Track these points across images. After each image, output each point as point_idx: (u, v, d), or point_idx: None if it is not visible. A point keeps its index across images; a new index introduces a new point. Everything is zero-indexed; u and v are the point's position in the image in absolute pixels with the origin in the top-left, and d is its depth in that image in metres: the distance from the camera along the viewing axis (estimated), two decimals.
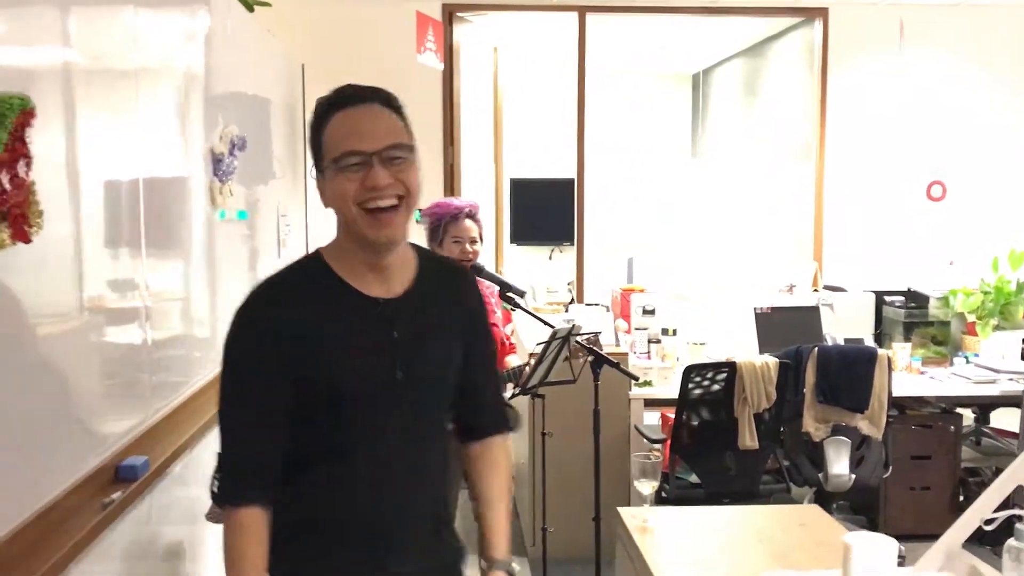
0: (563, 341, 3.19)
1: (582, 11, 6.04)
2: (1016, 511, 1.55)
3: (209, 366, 3.30)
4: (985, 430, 5.70)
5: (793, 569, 1.99)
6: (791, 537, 2.24)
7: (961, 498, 4.62)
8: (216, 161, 3.38)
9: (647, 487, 2.31)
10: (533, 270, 7.91)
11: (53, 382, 2.07)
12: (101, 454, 2.32)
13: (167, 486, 2.88)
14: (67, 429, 2.15)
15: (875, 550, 1.68)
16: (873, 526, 4.56)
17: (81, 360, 2.24)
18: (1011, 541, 1.54)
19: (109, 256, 2.45)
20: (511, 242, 7.81)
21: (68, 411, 2.16)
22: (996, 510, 1.55)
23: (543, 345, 3.22)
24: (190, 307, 3.18)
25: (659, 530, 2.26)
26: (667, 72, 8.85)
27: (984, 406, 5.46)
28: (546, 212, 7.87)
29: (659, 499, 4.07)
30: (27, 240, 1.83)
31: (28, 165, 1.84)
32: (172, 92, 3.00)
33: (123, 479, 2.35)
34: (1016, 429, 5.34)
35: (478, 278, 3.52)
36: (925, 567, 1.61)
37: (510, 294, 3.46)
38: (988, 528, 1.54)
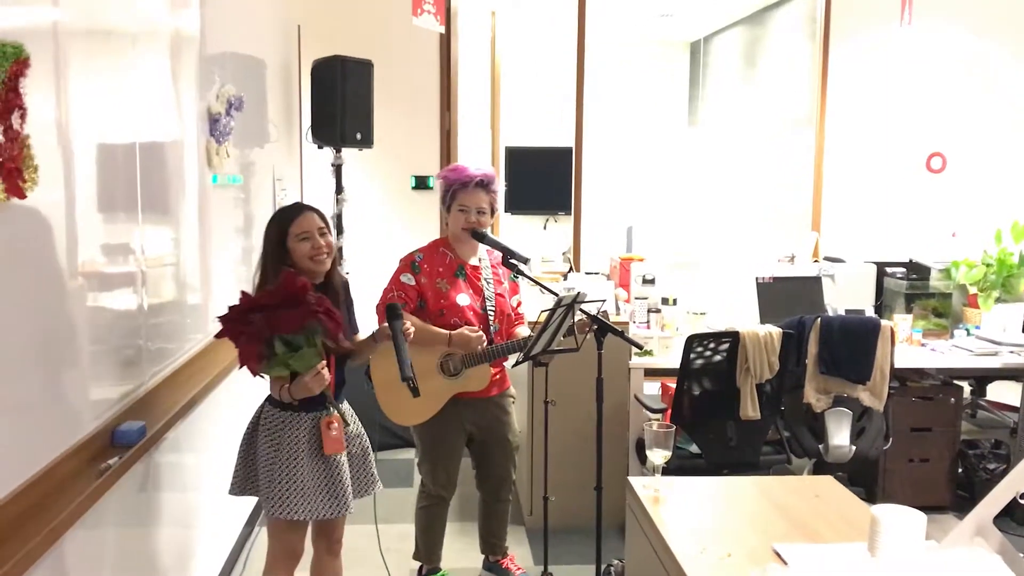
0: (568, 309, 3.11)
1: None
2: None
3: (200, 334, 3.23)
4: (981, 403, 5.68)
5: (811, 541, 1.94)
6: (808, 508, 2.18)
7: (960, 471, 4.60)
8: (213, 121, 3.28)
9: (659, 457, 2.25)
10: (528, 239, 7.82)
11: (46, 346, 2.00)
12: (96, 419, 2.26)
13: (163, 451, 2.82)
14: (61, 394, 2.09)
15: (904, 523, 1.63)
16: (871, 498, 4.54)
17: (75, 324, 2.17)
18: None
19: (104, 219, 2.37)
20: (506, 211, 7.72)
21: (61, 375, 2.09)
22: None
23: (547, 312, 3.14)
24: (184, 273, 3.10)
25: (671, 500, 2.20)
26: (665, 40, 8.74)
27: (981, 379, 5.43)
28: (542, 181, 7.78)
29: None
30: (22, 196, 1.75)
31: (23, 117, 1.75)
32: (167, 50, 2.90)
33: (119, 444, 2.29)
34: (1012, 402, 5.33)
35: (481, 244, 3.43)
36: (955, 541, 1.57)
37: (513, 260, 3.36)
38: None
